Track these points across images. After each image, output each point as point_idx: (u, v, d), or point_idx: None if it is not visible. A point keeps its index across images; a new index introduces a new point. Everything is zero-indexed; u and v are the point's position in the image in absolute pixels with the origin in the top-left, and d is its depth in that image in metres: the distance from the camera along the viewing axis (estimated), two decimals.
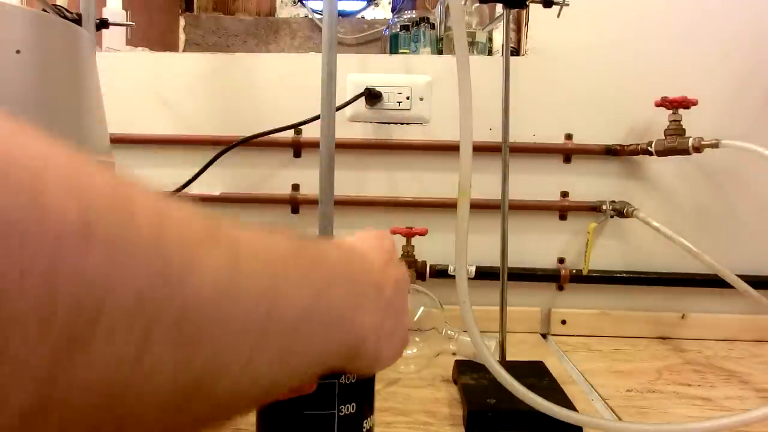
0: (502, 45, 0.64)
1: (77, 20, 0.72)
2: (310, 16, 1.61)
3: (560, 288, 0.95)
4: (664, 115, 0.86)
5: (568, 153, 0.95)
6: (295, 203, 0.97)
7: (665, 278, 0.93)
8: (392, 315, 0.34)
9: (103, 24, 0.80)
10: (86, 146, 0.56)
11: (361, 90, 0.89)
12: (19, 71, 0.49)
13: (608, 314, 0.94)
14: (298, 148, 0.97)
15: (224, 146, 0.85)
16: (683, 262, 0.90)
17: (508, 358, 0.63)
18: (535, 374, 0.65)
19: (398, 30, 1.15)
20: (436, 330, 0.68)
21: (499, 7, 0.67)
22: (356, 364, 0.32)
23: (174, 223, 0.20)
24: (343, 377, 0.36)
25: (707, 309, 0.93)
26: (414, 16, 1.18)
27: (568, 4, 0.63)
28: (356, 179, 0.97)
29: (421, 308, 0.69)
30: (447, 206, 0.94)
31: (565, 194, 0.95)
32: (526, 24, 0.97)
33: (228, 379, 0.22)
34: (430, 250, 0.90)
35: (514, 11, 0.91)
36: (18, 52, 0.49)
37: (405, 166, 0.97)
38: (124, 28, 0.98)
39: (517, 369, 0.54)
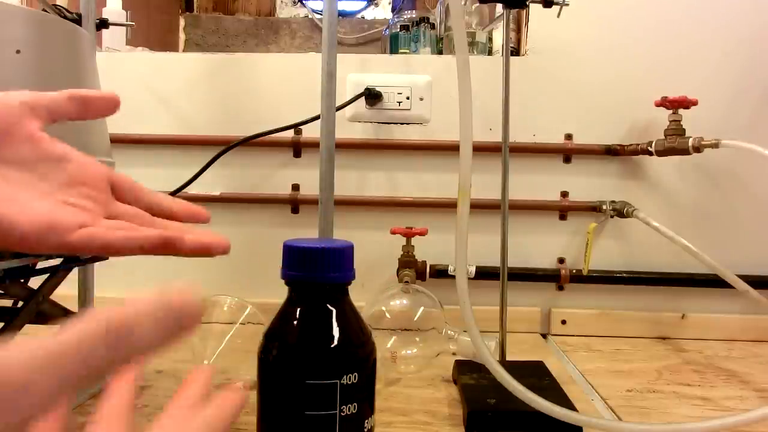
0: (502, 45, 0.64)
1: (77, 20, 0.72)
2: (310, 16, 1.61)
3: (560, 288, 0.95)
4: (664, 115, 0.86)
5: (568, 153, 0.95)
6: (295, 203, 0.97)
7: (665, 278, 0.93)
8: None
9: (103, 24, 0.80)
10: (86, 146, 0.56)
11: (361, 90, 0.89)
12: (19, 71, 0.49)
13: (608, 314, 0.94)
14: (298, 148, 0.97)
15: (224, 146, 0.85)
16: (683, 262, 0.90)
17: (508, 358, 0.63)
18: (535, 374, 0.65)
19: (398, 30, 1.15)
20: (436, 330, 0.68)
21: (499, 7, 0.67)
22: None
23: None
24: (344, 378, 0.36)
25: (707, 309, 0.93)
26: (414, 16, 1.18)
27: (568, 4, 0.63)
28: (356, 179, 0.97)
29: (421, 308, 0.69)
30: (447, 206, 0.94)
31: (565, 194, 0.95)
32: (526, 24, 0.97)
33: None
34: (430, 250, 0.90)
35: (514, 11, 0.91)
36: (18, 52, 0.49)
37: (405, 166, 0.97)
38: (124, 28, 0.98)
39: (517, 369, 0.54)
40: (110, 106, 0.38)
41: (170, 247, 0.33)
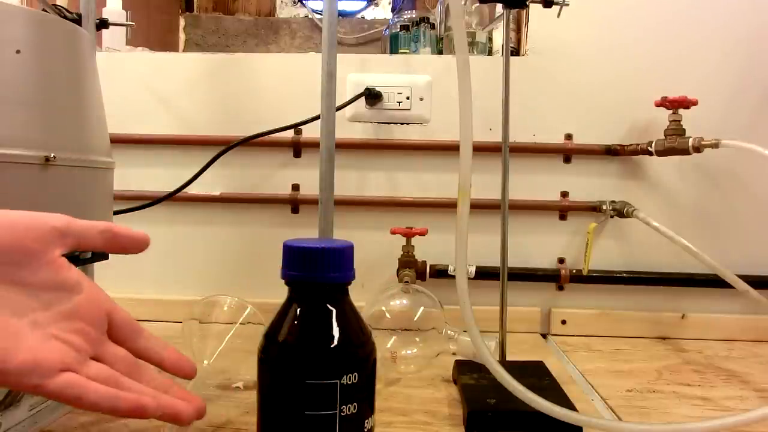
0: (502, 45, 0.64)
1: (77, 20, 0.72)
2: (310, 16, 1.61)
3: (560, 288, 0.95)
4: (664, 115, 0.86)
5: (568, 153, 0.95)
6: (295, 203, 0.97)
7: (665, 278, 0.93)
8: None
9: (103, 24, 0.80)
10: (86, 146, 0.56)
11: (361, 90, 0.89)
12: (19, 71, 0.49)
13: (608, 314, 0.94)
14: (298, 148, 0.97)
15: (224, 146, 0.85)
16: (683, 262, 0.90)
17: (508, 358, 0.63)
18: (535, 374, 0.65)
19: (398, 30, 1.15)
20: (436, 330, 0.68)
21: (499, 7, 0.67)
22: None
23: None
24: (344, 378, 0.36)
25: (707, 309, 0.93)
26: (414, 16, 1.18)
27: (568, 4, 0.63)
28: (356, 179, 0.97)
29: (421, 308, 0.69)
30: (447, 206, 0.94)
31: (565, 194, 0.95)
32: (526, 24, 0.97)
33: None
34: (430, 250, 0.90)
35: (514, 11, 0.91)
36: (18, 52, 0.49)
37: (405, 166, 0.97)
38: (124, 28, 0.98)
39: (517, 369, 0.54)
40: (138, 246, 0.40)
41: (141, 414, 0.35)
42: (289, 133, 0.93)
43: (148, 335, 0.39)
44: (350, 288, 0.39)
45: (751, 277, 0.81)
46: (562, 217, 0.96)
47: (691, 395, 0.67)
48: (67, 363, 0.34)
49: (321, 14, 0.96)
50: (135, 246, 0.39)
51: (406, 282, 0.83)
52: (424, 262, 0.91)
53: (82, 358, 0.35)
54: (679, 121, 0.85)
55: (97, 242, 0.38)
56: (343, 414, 0.36)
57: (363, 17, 1.64)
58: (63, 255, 0.36)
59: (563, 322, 0.94)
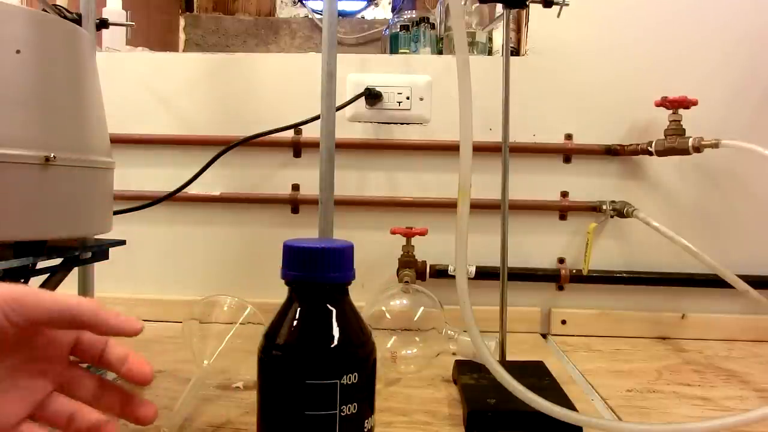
0: (502, 45, 0.64)
1: (77, 20, 0.72)
2: (310, 16, 1.61)
3: (560, 288, 0.95)
4: (664, 115, 0.86)
5: (568, 153, 0.95)
6: (295, 203, 0.97)
7: (665, 278, 0.93)
8: None
9: (103, 24, 0.80)
10: (86, 146, 0.56)
11: (361, 90, 0.89)
12: (19, 71, 0.49)
13: (608, 314, 0.94)
14: (298, 148, 0.97)
15: (224, 146, 0.85)
16: (683, 262, 0.90)
17: (508, 358, 0.63)
18: (535, 374, 0.65)
19: (398, 30, 1.15)
20: (436, 330, 0.68)
21: (499, 7, 0.67)
22: None
23: None
24: (344, 378, 0.36)
25: (707, 309, 0.93)
26: (414, 16, 1.18)
27: (568, 4, 0.63)
28: (356, 179, 0.97)
29: (421, 308, 0.69)
30: (447, 206, 0.94)
31: (565, 194, 0.95)
32: (526, 24, 0.97)
33: None
34: (430, 250, 0.90)
35: (514, 11, 0.91)
36: (18, 52, 0.49)
37: (405, 166, 0.97)
38: (124, 28, 0.98)
39: (517, 369, 0.54)
40: (118, 331, 0.37)
41: None
42: (289, 133, 0.93)
43: (112, 347, 0.39)
44: (350, 288, 0.39)
45: (751, 277, 0.81)
46: (562, 217, 0.96)
47: (691, 395, 0.67)
48: (28, 411, 0.35)
49: (321, 14, 0.96)
50: (116, 332, 0.36)
51: (406, 282, 0.83)
52: (424, 262, 0.91)
53: (42, 397, 0.36)
54: (679, 121, 0.85)
55: (66, 325, 0.36)
56: (343, 414, 0.36)
57: (363, 17, 1.64)
58: None
59: (563, 322, 0.94)
